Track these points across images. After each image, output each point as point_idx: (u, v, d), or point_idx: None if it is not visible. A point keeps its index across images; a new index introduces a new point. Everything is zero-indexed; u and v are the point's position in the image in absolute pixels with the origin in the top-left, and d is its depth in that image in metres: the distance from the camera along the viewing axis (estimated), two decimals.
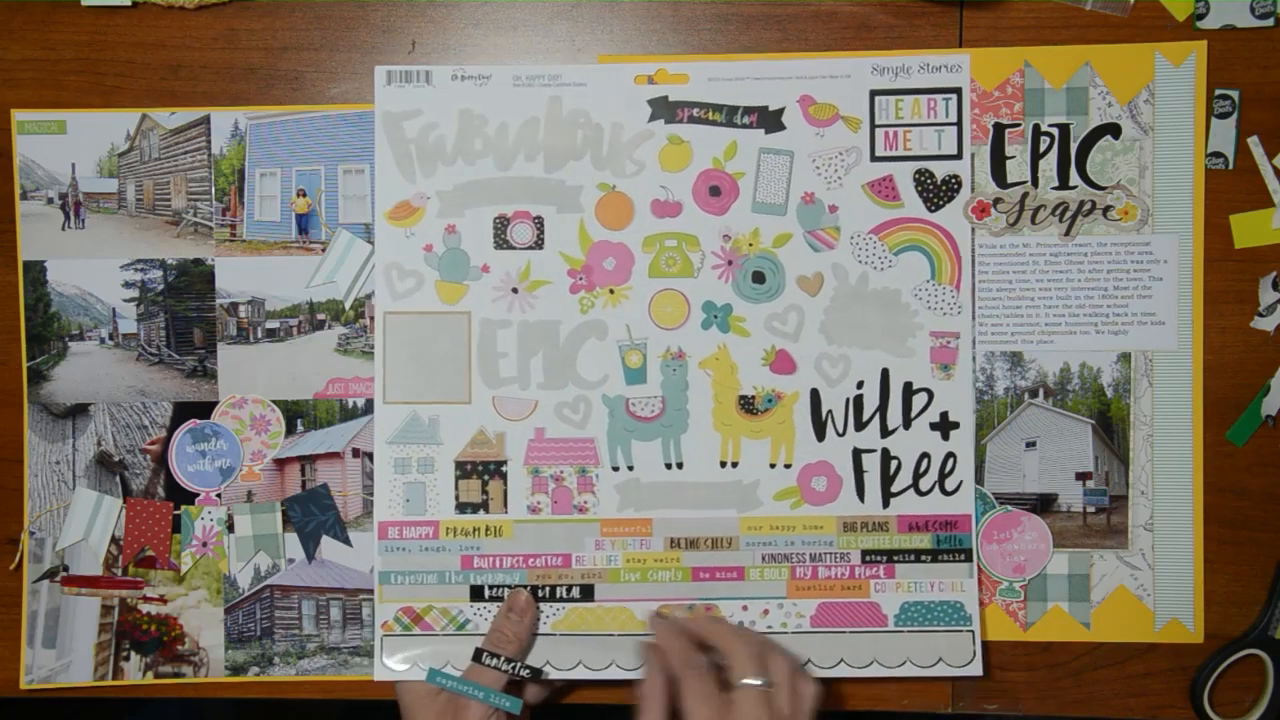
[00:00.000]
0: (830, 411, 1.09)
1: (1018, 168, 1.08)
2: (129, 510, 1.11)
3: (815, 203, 1.08)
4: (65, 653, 1.12)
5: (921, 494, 1.09)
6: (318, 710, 1.17)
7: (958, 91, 1.08)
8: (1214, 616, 1.10)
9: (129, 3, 1.10)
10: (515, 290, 1.09)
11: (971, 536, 1.09)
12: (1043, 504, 1.10)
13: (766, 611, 1.08)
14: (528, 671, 1.04)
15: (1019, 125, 1.08)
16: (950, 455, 1.09)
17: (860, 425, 1.09)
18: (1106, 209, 1.08)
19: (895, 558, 1.09)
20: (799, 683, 0.98)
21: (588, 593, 1.08)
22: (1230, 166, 1.08)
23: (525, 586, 1.08)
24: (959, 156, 1.08)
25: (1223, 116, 1.08)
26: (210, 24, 1.11)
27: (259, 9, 1.11)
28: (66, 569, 1.12)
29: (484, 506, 1.09)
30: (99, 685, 1.12)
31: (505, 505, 1.09)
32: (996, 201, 1.08)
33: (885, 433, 1.09)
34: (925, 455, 1.09)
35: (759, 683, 0.96)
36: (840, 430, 1.09)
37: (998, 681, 1.11)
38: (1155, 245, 1.08)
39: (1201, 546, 1.10)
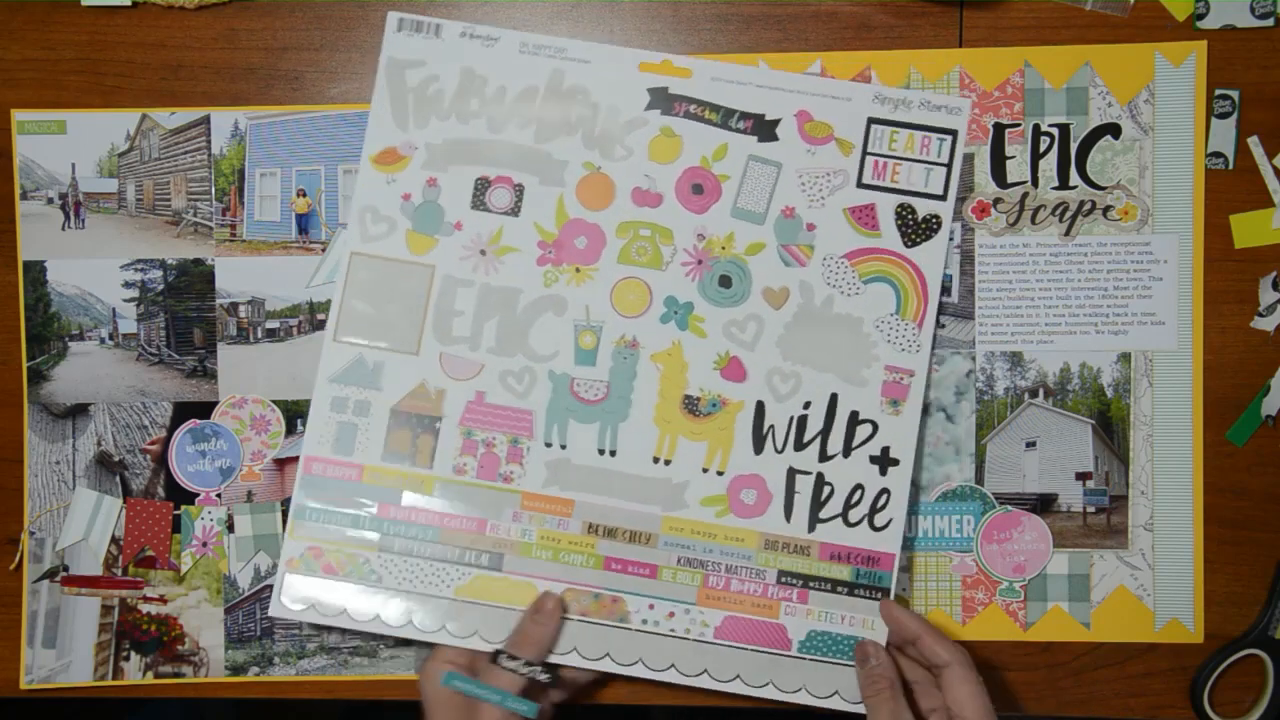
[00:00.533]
0: (772, 426, 1.08)
1: (1018, 168, 1.08)
2: (129, 510, 1.11)
3: (794, 218, 1.08)
4: (65, 653, 1.11)
5: (849, 525, 1.07)
6: (318, 710, 1.17)
7: (954, 134, 1.07)
8: (1214, 616, 1.10)
9: (129, 3, 1.10)
10: (483, 252, 1.08)
11: (892, 575, 1.07)
12: (1043, 504, 1.10)
13: (672, 614, 1.07)
14: (547, 676, 1.02)
15: (1019, 125, 1.08)
16: (885, 491, 1.07)
17: (800, 445, 1.08)
18: (1106, 209, 1.08)
19: (811, 584, 1.07)
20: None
21: (496, 561, 1.06)
22: (1230, 166, 1.08)
23: (552, 592, 1.06)
24: (943, 198, 1.07)
25: (1223, 116, 1.07)
26: (210, 24, 1.10)
27: (259, 9, 1.10)
28: (66, 569, 1.12)
29: (410, 459, 1.07)
30: (99, 685, 1.12)
31: (431, 461, 1.07)
32: (996, 201, 1.08)
33: (824, 457, 1.08)
34: (859, 487, 1.08)
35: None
36: (779, 447, 1.08)
37: (997, 681, 1.11)
38: (1155, 245, 1.08)
39: (1201, 546, 1.10)
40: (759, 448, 1.08)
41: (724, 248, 1.08)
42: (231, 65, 1.11)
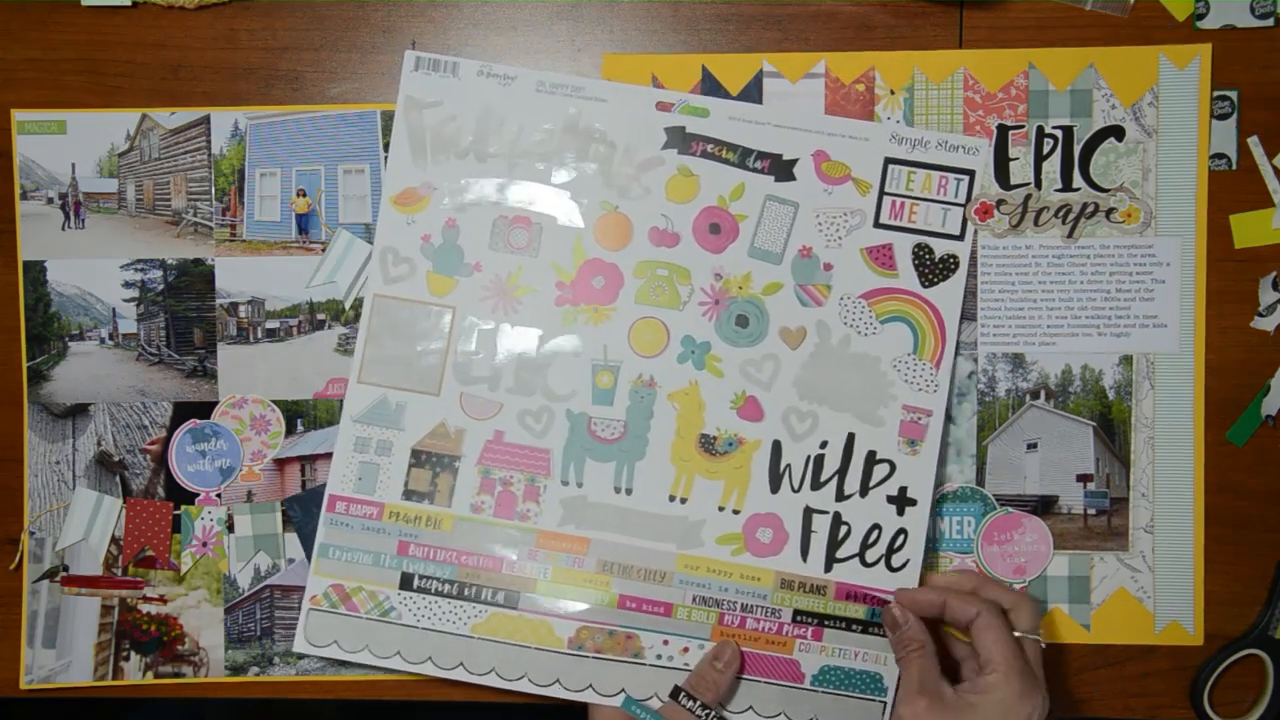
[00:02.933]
0: (789, 466, 1.07)
1: (1021, 169, 1.07)
2: (129, 510, 1.11)
3: (811, 258, 1.07)
4: (65, 653, 1.11)
5: (866, 565, 1.06)
6: (318, 710, 1.16)
7: (970, 174, 1.06)
8: (1214, 617, 1.09)
9: (129, 3, 1.09)
10: (503, 293, 1.07)
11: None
12: (1043, 506, 1.09)
13: (686, 649, 1.06)
14: None
15: (1023, 127, 1.07)
16: (902, 531, 1.06)
17: (817, 485, 1.07)
18: (1110, 211, 1.07)
19: (826, 623, 1.06)
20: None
21: (512, 599, 1.06)
22: (1234, 167, 1.07)
23: (726, 641, 1.06)
24: (960, 238, 1.07)
25: (1222, 118, 1.07)
26: (210, 24, 1.09)
27: (259, 9, 1.09)
28: (66, 569, 1.11)
29: (430, 497, 1.07)
30: (99, 685, 1.11)
31: (450, 500, 1.07)
32: (1000, 203, 1.07)
33: (840, 497, 1.07)
34: (877, 526, 1.07)
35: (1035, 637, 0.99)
36: (796, 486, 1.07)
37: None
38: (1158, 248, 1.07)
39: (1202, 550, 1.09)
40: (775, 487, 1.07)
41: (741, 287, 1.07)
42: (231, 65, 1.10)
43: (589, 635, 1.06)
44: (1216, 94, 1.06)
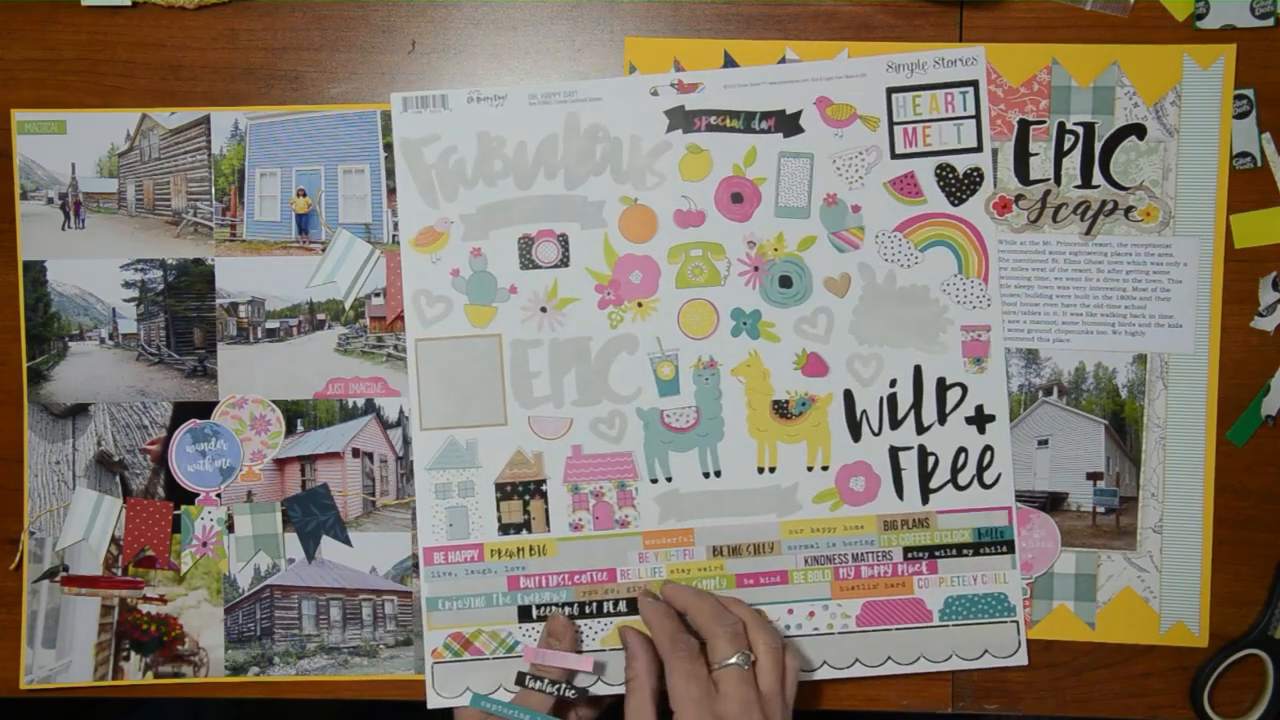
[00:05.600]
0: (865, 411, 1.04)
1: (1041, 165, 1.04)
2: (129, 510, 1.07)
3: (838, 204, 1.04)
4: (65, 653, 1.07)
5: (960, 488, 1.04)
6: (317, 710, 1.12)
7: (974, 84, 1.03)
8: (1214, 617, 1.05)
9: (129, 3, 1.05)
10: (544, 309, 1.04)
11: (1013, 528, 1.04)
12: (1052, 502, 1.05)
13: (812, 614, 1.04)
14: (574, 692, 0.99)
15: (1044, 122, 1.03)
16: (988, 448, 1.04)
17: (895, 423, 1.04)
18: (1128, 209, 1.03)
19: (937, 553, 1.04)
20: (784, 657, 0.95)
21: (634, 606, 1.03)
22: (1259, 165, 1.03)
23: (563, 606, 1.04)
24: (979, 149, 1.03)
25: (1240, 116, 1.03)
26: (210, 24, 1.06)
27: (259, 9, 1.06)
28: (66, 569, 1.07)
29: (526, 526, 1.04)
30: (99, 685, 1.07)
31: (547, 524, 1.04)
32: (1018, 198, 1.04)
33: (921, 429, 1.04)
34: (963, 449, 1.04)
35: (736, 661, 0.92)
36: (876, 429, 1.04)
37: (998, 680, 1.07)
38: (1176, 248, 1.03)
39: (1210, 553, 1.05)
40: (856, 435, 1.05)
41: (776, 249, 1.04)
42: (231, 65, 1.06)
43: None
44: (1236, 93, 1.03)
